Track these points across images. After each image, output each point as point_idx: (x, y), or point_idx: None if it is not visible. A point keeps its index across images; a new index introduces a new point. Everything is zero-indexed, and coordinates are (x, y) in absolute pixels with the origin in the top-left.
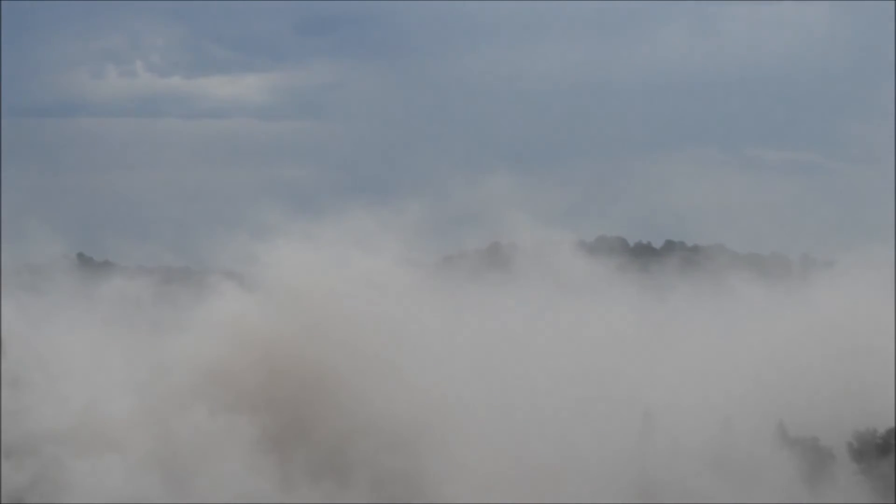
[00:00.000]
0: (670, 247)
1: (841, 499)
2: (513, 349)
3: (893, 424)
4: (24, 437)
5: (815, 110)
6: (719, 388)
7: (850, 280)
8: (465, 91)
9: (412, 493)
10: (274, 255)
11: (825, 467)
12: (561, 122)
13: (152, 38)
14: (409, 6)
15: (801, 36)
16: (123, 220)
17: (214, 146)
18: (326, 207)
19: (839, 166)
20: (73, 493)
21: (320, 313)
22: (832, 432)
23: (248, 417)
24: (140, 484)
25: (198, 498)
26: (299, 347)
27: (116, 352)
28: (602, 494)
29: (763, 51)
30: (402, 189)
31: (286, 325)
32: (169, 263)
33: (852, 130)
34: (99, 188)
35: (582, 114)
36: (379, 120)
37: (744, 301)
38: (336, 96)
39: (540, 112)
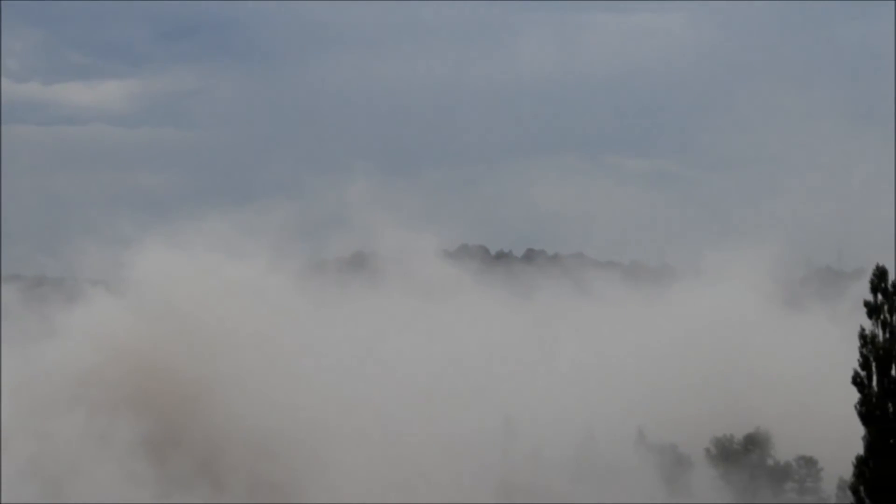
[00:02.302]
0: (531, 255)
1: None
2: (377, 357)
3: (751, 431)
4: None
5: (672, 119)
6: (581, 394)
7: (709, 286)
8: (327, 96)
9: (286, 498)
10: (141, 263)
11: (684, 472)
12: (421, 128)
13: (10, 43)
14: (270, 11)
15: (660, 46)
16: None
17: (72, 153)
18: (188, 214)
19: (695, 174)
20: None
21: (190, 320)
22: (691, 438)
23: (124, 422)
24: (18, 491)
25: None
26: (170, 354)
27: None
28: (467, 497)
29: (623, 60)
30: (264, 194)
31: (157, 332)
32: (35, 271)
33: (707, 139)
34: None
35: (442, 119)
36: (239, 125)
37: (606, 307)
38: (196, 102)
39: (401, 117)
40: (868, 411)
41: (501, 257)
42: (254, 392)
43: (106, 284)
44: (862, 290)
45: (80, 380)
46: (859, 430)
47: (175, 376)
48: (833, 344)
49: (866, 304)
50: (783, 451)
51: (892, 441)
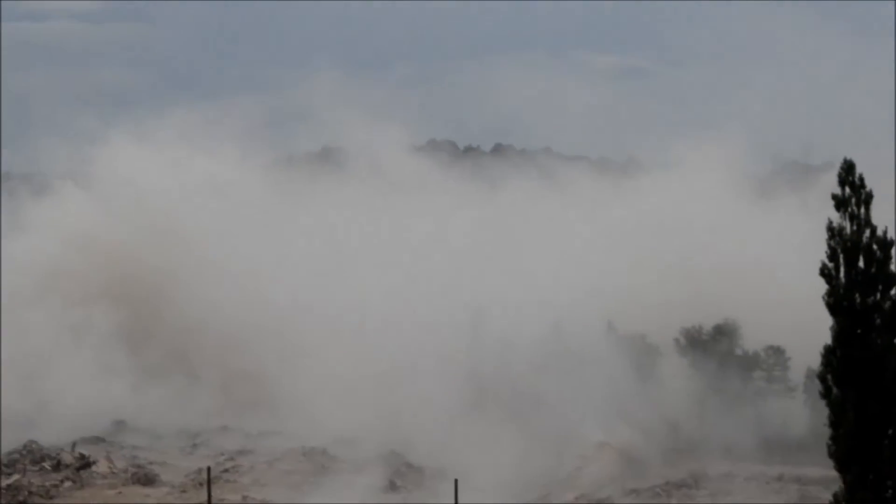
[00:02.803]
0: (499, 150)
1: (667, 391)
2: (347, 250)
3: (719, 322)
4: None
5: (639, 14)
6: (550, 287)
7: (677, 178)
8: None
9: (259, 392)
10: (108, 157)
11: (653, 362)
12: (388, 23)
13: None
14: None
15: None
16: None
17: (36, 50)
18: (153, 109)
19: (663, 69)
20: None
21: (158, 214)
22: (660, 329)
23: (97, 314)
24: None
25: (52, 398)
26: (139, 248)
27: None
28: (436, 390)
29: None
30: (229, 89)
31: (126, 226)
32: (1, 167)
33: (673, 33)
34: None
35: (410, 14)
36: (203, 20)
37: (574, 198)
38: None
39: (367, 12)
40: (836, 302)
41: (469, 152)
42: (224, 285)
43: (73, 179)
44: (830, 184)
45: (50, 273)
46: (827, 320)
47: (145, 269)
48: (802, 235)
49: (834, 196)
50: (751, 340)
51: (858, 331)
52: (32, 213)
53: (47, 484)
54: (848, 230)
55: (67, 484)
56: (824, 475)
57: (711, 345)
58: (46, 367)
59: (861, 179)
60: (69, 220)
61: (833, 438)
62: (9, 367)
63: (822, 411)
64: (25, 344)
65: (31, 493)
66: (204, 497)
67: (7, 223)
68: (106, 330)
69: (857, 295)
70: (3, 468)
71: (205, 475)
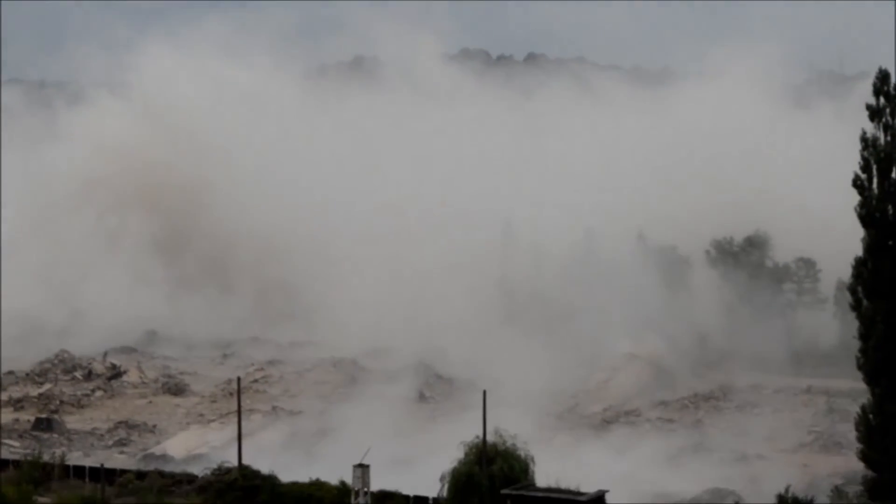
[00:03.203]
0: (532, 59)
1: (697, 303)
2: (379, 160)
3: (750, 233)
4: None
5: None
6: (581, 195)
7: (712, 86)
8: None
9: (293, 300)
10: (143, 65)
11: (683, 273)
12: None
13: None
14: None
15: None
16: None
17: None
18: (186, 16)
19: None
20: None
21: (193, 123)
22: (691, 239)
23: (132, 222)
24: (29, 297)
25: (90, 302)
26: (174, 157)
27: None
28: (467, 301)
29: None
30: None
31: (161, 136)
32: (36, 75)
33: None
34: None
35: None
36: None
37: (607, 107)
38: None
39: None
40: (868, 213)
41: (502, 61)
42: (258, 194)
43: (108, 87)
44: (865, 94)
45: (85, 182)
46: (859, 231)
47: (179, 178)
48: (835, 145)
49: (868, 107)
50: (782, 252)
51: (890, 243)
52: (68, 123)
53: (78, 393)
54: (882, 141)
55: (98, 393)
56: (853, 387)
57: (742, 256)
58: (81, 277)
59: None
60: (105, 129)
61: (862, 351)
62: (44, 277)
63: (852, 324)
64: (61, 253)
65: (62, 402)
66: (233, 407)
67: (42, 132)
68: (140, 239)
69: (889, 206)
70: (35, 377)
71: (234, 385)
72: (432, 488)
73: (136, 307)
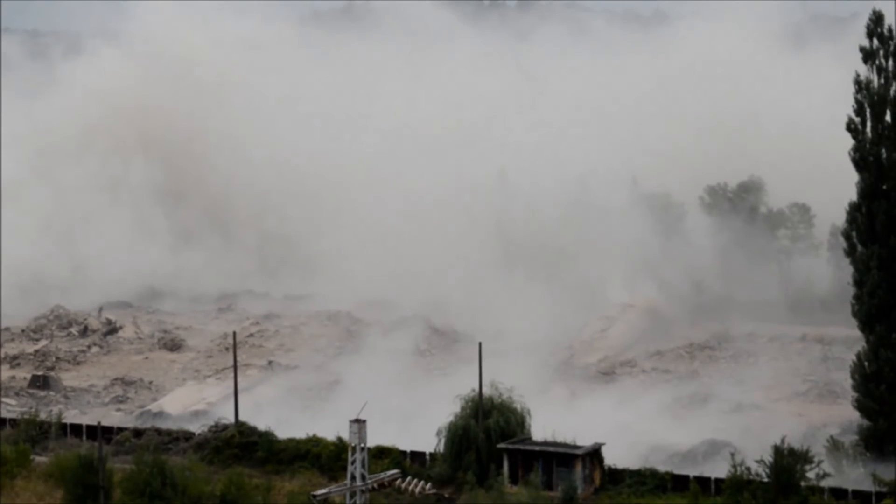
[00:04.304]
0: (524, 5)
1: (692, 251)
2: (375, 105)
3: (744, 179)
4: None
5: None
6: (575, 140)
7: (705, 28)
8: None
9: (293, 252)
10: (138, 15)
11: (678, 220)
12: None
13: None
14: None
15: None
16: None
17: None
18: None
19: None
20: None
21: (191, 74)
22: (685, 185)
23: (133, 169)
24: (35, 246)
25: (90, 255)
26: (173, 105)
27: None
28: (463, 243)
29: None
30: None
31: (159, 85)
32: (29, 24)
33: None
34: None
35: None
36: None
37: (600, 52)
38: None
39: None
40: (861, 157)
41: (495, 4)
42: (255, 142)
43: (104, 37)
44: (859, 35)
45: (85, 130)
46: (853, 175)
47: (177, 126)
48: (829, 88)
49: (862, 49)
50: (777, 198)
51: (884, 187)
52: (66, 72)
53: (74, 349)
54: (875, 83)
55: (94, 349)
56: (848, 335)
57: (736, 202)
58: (81, 227)
59: (890, 31)
60: (102, 77)
61: (856, 297)
62: (44, 227)
63: (847, 269)
64: (61, 204)
65: (58, 358)
66: (230, 362)
67: (40, 82)
68: (141, 187)
69: (883, 150)
70: (31, 333)
71: (230, 340)
72: (430, 443)
73: (135, 261)
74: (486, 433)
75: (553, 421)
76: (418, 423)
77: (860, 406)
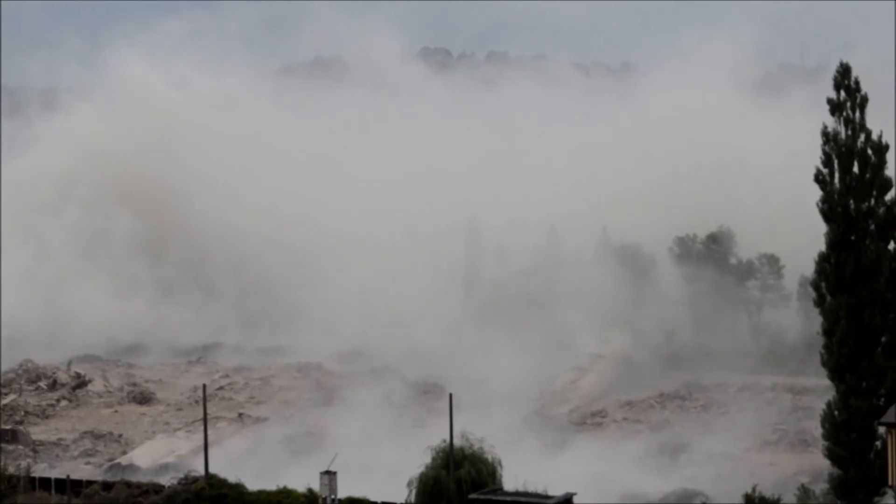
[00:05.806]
0: (493, 57)
1: (662, 301)
2: (347, 156)
3: (713, 230)
4: None
5: None
6: (545, 192)
7: (673, 81)
8: None
9: (273, 303)
10: (111, 71)
11: (647, 271)
12: None
13: None
14: None
15: None
16: None
17: None
18: (140, 19)
19: None
20: None
21: (166, 130)
22: (655, 237)
23: (115, 224)
24: (13, 301)
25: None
26: (150, 163)
27: None
28: (435, 291)
29: None
30: None
31: (135, 140)
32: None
33: None
34: None
35: None
36: None
37: (569, 104)
38: None
39: None
40: (830, 208)
41: (463, 59)
42: (233, 195)
43: (77, 93)
44: (825, 88)
45: (63, 184)
46: (822, 226)
47: (156, 181)
48: (797, 140)
49: (829, 101)
50: (746, 249)
51: (852, 238)
52: (42, 128)
53: (43, 403)
54: (843, 135)
55: (63, 403)
56: (817, 384)
57: (706, 253)
58: (61, 282)
59: (857, 83)
60: (79, 133)
61: (826, 347)
62: (22, 283)
63: (816, 320)
64: (40, 258)
65: (27, 412)
66: (199, 414)
67: (17, 138)
68: (120, 243)
69: (851, 201)
70: (0, 388)
71: (200, 393)
72: (401, 494)
73: (114, 315)
74: (458, 484)
75: (524, 471)
76: (389, 475)
77: (831, 455)
